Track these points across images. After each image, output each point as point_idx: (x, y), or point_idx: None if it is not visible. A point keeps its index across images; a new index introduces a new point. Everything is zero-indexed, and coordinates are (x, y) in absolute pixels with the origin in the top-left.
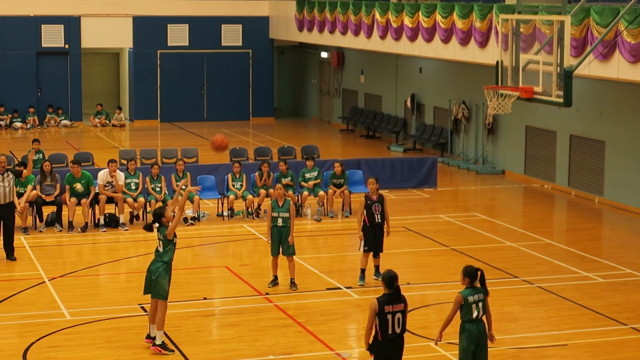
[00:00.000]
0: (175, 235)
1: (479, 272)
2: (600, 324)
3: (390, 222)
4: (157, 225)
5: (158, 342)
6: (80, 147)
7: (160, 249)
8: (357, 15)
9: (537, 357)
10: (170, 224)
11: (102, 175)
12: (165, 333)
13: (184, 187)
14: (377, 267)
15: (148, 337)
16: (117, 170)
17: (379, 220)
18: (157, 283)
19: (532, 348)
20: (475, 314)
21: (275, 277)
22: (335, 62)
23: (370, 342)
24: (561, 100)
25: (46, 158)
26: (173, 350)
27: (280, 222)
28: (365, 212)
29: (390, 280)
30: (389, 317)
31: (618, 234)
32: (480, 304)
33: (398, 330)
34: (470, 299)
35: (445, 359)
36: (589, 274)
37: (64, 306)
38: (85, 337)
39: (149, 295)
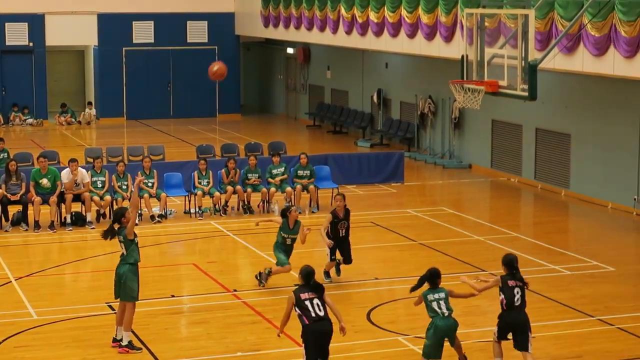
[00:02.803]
0: (135, 235)
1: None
2: (568, 316)
3: (358, 217)
4: (117, 225)
5: (125, 342)
6: (46, 146)
7: (124, 252)
8: (323, 11)
9: (505, 349)
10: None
11: (65, 174)
12: (132, 332)
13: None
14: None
15: (115, 340)
16: (80, 169)
17: (344, 234)
18: (125, 286)
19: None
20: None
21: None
22: (301, 58)
23: (301, 333)
24: (526, 93)
25: (11, 157)
26: (141, 348)
27: (289, 241)
28: (329, 228)
29: (307, 276)
30: (307, 303)
31: (584, 227)
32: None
33: (321, 314)
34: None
35: (412, 353)
36: (556, 267)
37: (30, 306)
38: (53, 337)
39: (112, 293)
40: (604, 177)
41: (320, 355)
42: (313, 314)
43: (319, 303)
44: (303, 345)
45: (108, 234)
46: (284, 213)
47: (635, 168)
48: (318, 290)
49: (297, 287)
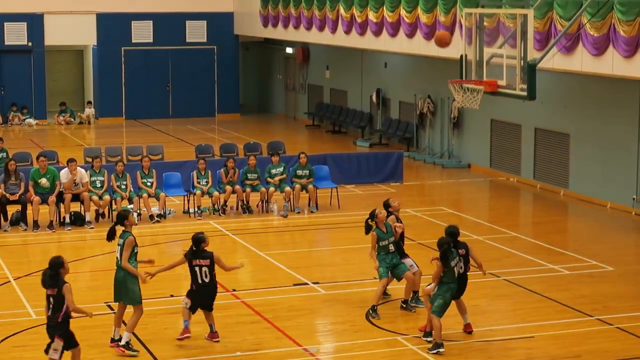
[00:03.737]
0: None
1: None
2: (567, 316)
3: (357, 217)
4: (120, 228)
5: (123, 342)
6: (45, 146)
7: (119, 256)
8: (322, 11)
9: (503, 349)
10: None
11: (64, 174)
12: (133, 333)
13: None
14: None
15: (113, 340)
16: (78, 168)
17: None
18: (127, 289)
19: (499, 341)
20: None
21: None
22: (300, 58)
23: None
24: (525, 93)
25: (10, 157)
26: (137, 351)
27: (392, 247)
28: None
29: (197, 241)
30: (197, 269)
31: (584, 226)
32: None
33: (207, 280)
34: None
35: (412, 353)
36: (555, 267)
37: (29, 305)
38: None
39: (111, 293)
40: (603, 176)
41: (204, 307)
42: (199, 280)
43: (207, 271)
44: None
45: (110, 237)
46: (372, 218)
47: (634, 168)
48: (207, 256)
49: (189, 251)
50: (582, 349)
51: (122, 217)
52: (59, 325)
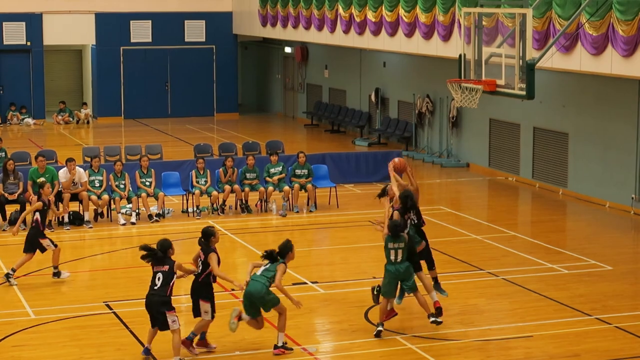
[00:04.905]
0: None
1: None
2: (565, 315)
3: (356, 216)
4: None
5: (279, 344)
6: (44, 145)
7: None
8: (320, 10)
9: (502, 348)
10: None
11: (63, 174)
12: (131, 331)
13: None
14: (435, 279)
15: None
16: (77, 168)
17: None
18: (264, 299)
19: (498, 340)
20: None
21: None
22: (299, 57)
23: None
24: (524, 92)
25: (9, 156)
26: (292, 349)
27: (392, 255)
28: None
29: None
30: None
31: (582, 226)
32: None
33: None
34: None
35: (410, 352)
36: (554, 266)
37: (28, 305)
38: (50, 336)
39: (115, 293)
40: (601, 176)
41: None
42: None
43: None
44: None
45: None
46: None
47: (633, 167)
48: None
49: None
50: (580, 348)
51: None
52: (167, 300)
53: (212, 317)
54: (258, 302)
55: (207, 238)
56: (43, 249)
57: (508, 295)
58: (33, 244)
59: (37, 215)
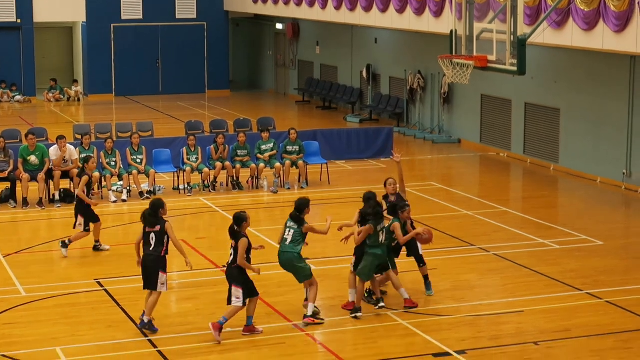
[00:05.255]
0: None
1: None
2: (556, 290)
3: (347, 193)
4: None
5: (309, 313)
6: (35, 123)
7: (289, 239)
8: None
9: (493, 324)
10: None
11: (53, 151)
12: (122, 308)
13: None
14: (426, 277)
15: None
16: (68, 145)
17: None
18: (296, 268)
19: (489, 315)
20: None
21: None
22: (290, 34)
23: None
24: (515, 68)
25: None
26: (323, 320)
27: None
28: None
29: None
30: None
31: (573, 201)
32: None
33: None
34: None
35: (401, 327)
36: (545, 241)
37: (19, 283)
38: (41, 314)
39: (106, 271)
40: (593, 151)
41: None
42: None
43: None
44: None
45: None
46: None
47: (624, 142)
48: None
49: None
50: (571, 323)
51: (241, 220)
52: (162, 259)
53: (244, 303)
54: (291, 270)
55: (239, 223)
56: (93, 219)
57: (499, 270)
58: (90, 214)
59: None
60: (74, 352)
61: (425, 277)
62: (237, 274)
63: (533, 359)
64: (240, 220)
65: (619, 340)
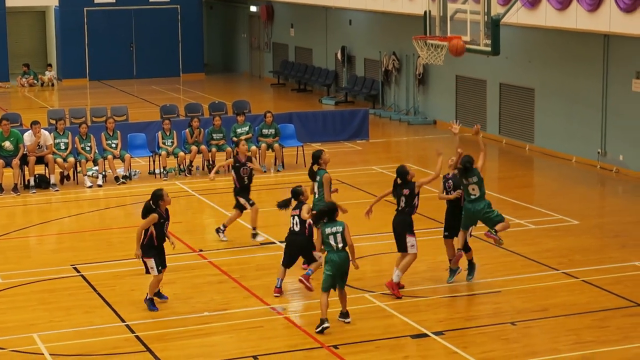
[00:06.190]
0: None
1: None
2: (533, 270)
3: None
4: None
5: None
6: (8, 108)
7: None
8: None
9: (471, 304)
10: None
11: (28, 137)
12: (99, 292)
13: None
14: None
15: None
16: (42, 131)
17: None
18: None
19: (466, 296)
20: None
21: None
22: (264, 16)
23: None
24: (489, 48)
25: None
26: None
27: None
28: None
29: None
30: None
31: (549, 181)
32: (338, 236)
33: (297, 229)
34: (328, 230)
35: (379, 309)
36: (521, 221)
37: None
38: (19, 300)
39: (83, 256)
40: (568, 131)
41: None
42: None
43: (298, 221)
44: None
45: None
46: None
47: (598, 122)
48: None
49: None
50: (548, 303)
51: (298, 193)
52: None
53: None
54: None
55: (297, 197)
56: (241, 207)
57: (476, 251)
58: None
59: (233, 173)
60: (52, 338)
61: (470, 262)
62: (309, 244)
63: (511, 339)
64: (297, 194)
65: (595, 319)
